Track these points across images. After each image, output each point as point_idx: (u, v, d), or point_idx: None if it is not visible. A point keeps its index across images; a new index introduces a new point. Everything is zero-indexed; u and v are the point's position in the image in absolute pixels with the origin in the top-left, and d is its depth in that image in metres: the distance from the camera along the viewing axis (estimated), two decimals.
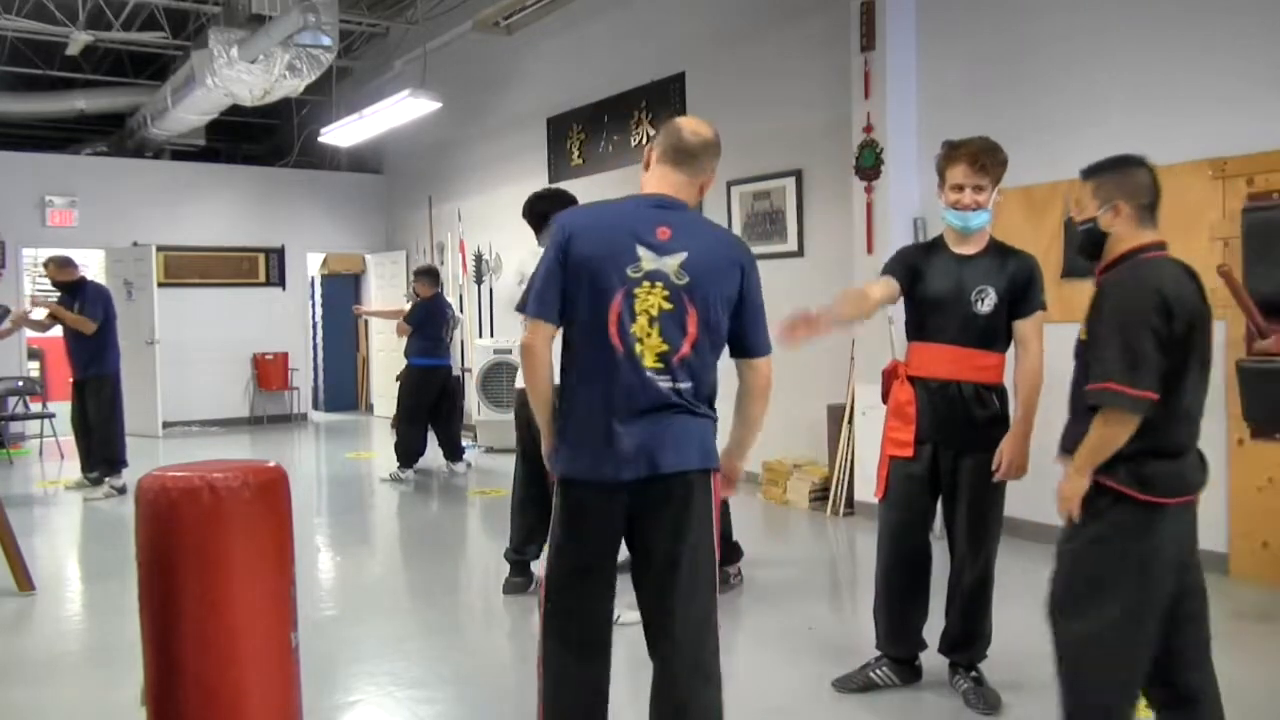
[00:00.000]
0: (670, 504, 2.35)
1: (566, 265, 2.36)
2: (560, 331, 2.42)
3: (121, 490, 7.27)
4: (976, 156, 3.13)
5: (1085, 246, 2.47)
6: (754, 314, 2.44)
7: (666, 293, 2.34)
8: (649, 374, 2.33)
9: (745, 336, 2.45)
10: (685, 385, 2.36)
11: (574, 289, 2.35)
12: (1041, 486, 4.81)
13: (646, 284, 2.34)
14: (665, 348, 2.34)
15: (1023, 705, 3.22)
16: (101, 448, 7.38)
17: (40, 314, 7.69)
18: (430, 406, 7.96)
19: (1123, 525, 2.31)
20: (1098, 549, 2.34)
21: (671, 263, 2.35)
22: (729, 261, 2.41)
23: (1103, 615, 2.31)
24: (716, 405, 2.48)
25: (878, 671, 3.41)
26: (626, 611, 4.16)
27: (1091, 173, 2.46)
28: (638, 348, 2.33)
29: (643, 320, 2.33)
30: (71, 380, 7.58)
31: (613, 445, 2.32)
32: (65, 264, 7.38)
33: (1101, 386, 2.28)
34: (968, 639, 3.31)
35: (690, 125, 2.49)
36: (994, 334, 3.19)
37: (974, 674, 3.32)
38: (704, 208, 7.58)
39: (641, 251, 2.34)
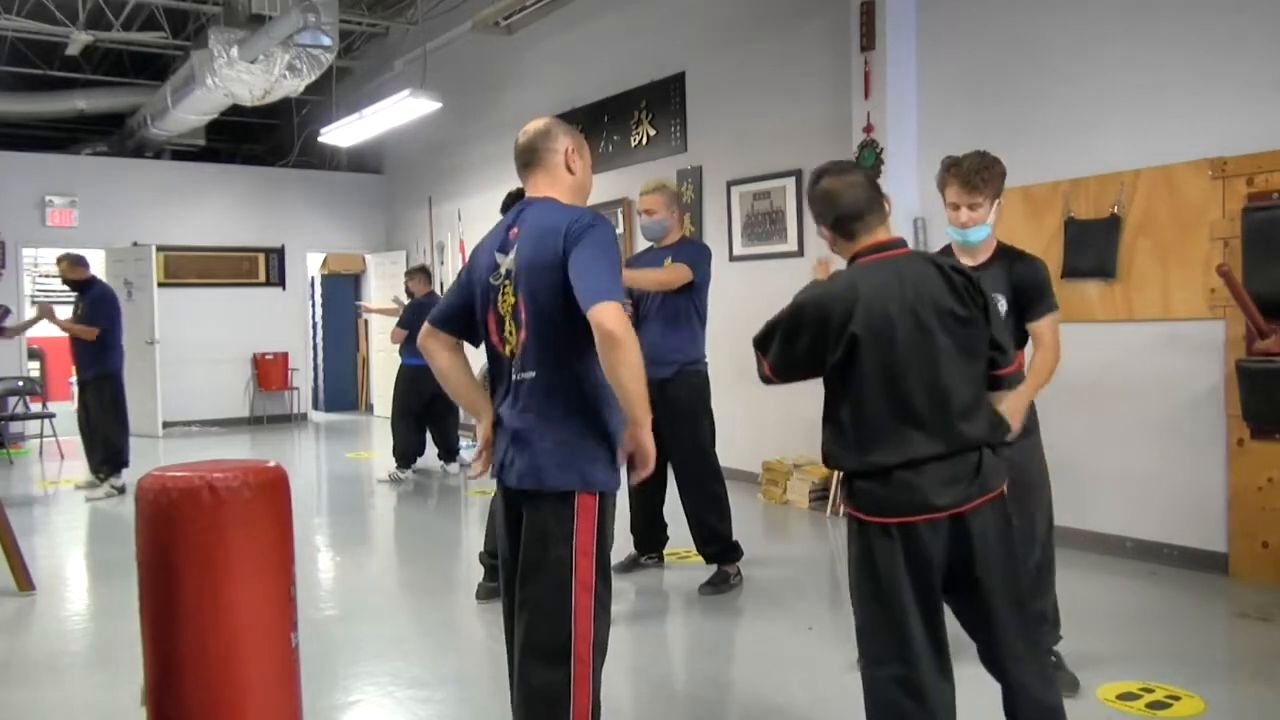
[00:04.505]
0: (524, 515, 2.40)
1: (469, 281, 2.53)
2: (463, 341, 2.58)
3: (122, 490, 7.27)
4: (968, 177, 3.18)
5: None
6: (580, 268, 2.27)
7: (511, 287, 2.41)
8: (514, 370, 2.42)
9: (575, 291, 2.27)
10: (529, 375, 2.37)
11: (474, 303, 2.51)
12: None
13: (503, 285, 2.43)
14: (516, 340, 2.40)
15: None
16: (103, 447, 7.39)
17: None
18: (425, 406, 7.96)
19: (854, 545, 2.34)
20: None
21: (512, 258, 2.42)
22: (549, 235, 2.34)
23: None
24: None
25: None
26: None
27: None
28: (508, 348, 2.43)
29: (507, 320, 2.42)
30: (75, 380, 7.61)
31: (499, 449, 2.46)
32: (77, 262, 7.41)
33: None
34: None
35: (523, 129, 2.55)
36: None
37: (1051, 658, 3.33)
38: (704, 208, 7.66)
39: (499, 257, 2.45)
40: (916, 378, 2.24)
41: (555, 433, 2.35)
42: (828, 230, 2.41)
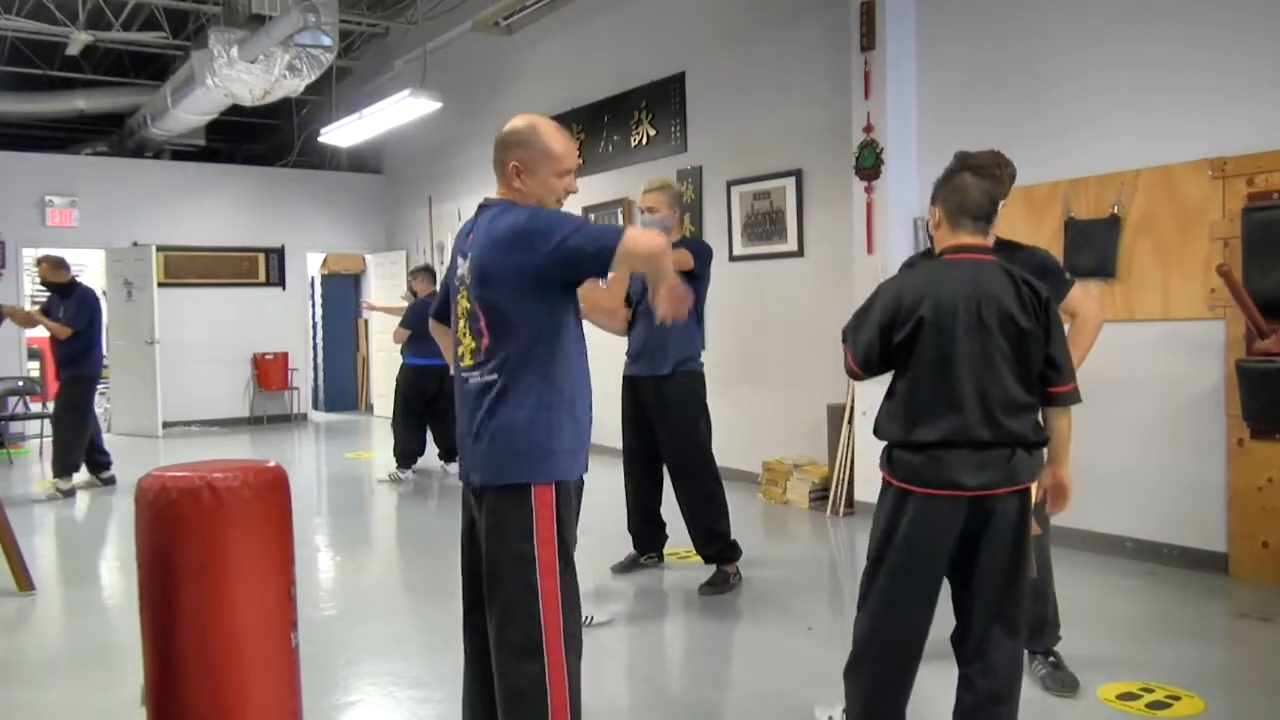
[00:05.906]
0: (483, 513, 2.44)
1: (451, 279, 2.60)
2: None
3: (69, 494, 7.24)
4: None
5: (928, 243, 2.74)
6: (573, 247, 2.31)
7: (467, 293, 2.45)
8: (464, 373, 2.46)
9: (582, 267, 2.35)
10: (490, 379, 2.39)
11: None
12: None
13: (460, 289, 2.48)
14: (473, 345, 2.43)
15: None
16: (60, 447, 7.33)
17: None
18: (426, 406, 7.96)
19: (881, 505, 2.59)
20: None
21: (468, 263, 2.45)
22: (502, 242, 2.35)
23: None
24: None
25: None
26: (599, 611, 4.17)
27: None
28: (460, 349, 2.48)
29: (461, 324, 2.47)
30: (57, 379, 7.64)
31: (461, 446, 2.51)
32: (58, 265, 7.38)
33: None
34: (1038, 627, 3.34)
35: (506, 124, 2.54)
36: None
37: (1051, 659, 3.37)
38: (704, 208, 7.66)
39: (459, 260, 2.50)
40: (968, 370, 2.41)
41: (513, 430, 2.37)
42: (942, 211, 2.59)
